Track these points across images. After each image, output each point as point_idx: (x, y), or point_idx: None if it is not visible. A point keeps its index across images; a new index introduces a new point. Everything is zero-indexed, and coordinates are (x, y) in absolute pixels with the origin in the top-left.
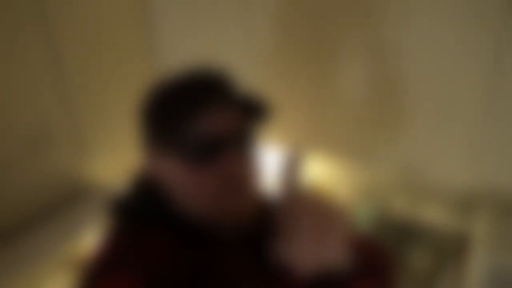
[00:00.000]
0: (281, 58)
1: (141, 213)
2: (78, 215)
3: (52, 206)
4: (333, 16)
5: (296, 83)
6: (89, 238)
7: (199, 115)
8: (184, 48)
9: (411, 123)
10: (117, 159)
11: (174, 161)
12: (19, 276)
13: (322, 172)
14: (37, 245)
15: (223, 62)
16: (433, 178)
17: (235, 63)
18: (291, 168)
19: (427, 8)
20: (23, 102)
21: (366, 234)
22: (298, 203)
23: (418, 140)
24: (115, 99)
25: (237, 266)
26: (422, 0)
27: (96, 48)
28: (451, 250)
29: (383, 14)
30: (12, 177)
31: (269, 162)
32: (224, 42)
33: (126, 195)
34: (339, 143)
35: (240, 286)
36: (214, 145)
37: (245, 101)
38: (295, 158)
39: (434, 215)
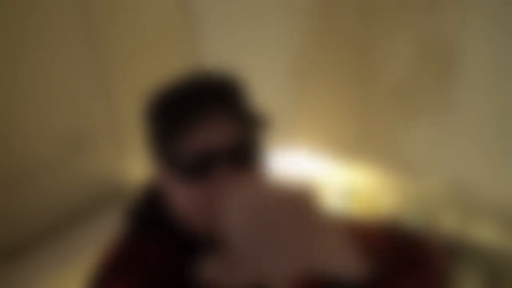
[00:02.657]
0: (318, 62)
1: (146, 219)
2: (114, 216)
3: (91, 206)
4: (377, 16)
5: (340, 88)
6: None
7: (193, 129)
8: (224, 50)
9: (465, 136)
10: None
11: (171, 172)
12: (54, 275)
13: (367, 181)
14: (75, 244)
15: (257, 65)
16: (486, 194)
17: (269, 67)
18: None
19: (484, 7)
20: (66, 104)
21: (390, 224)
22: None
23: (472, 153)
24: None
25: None
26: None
27: (138, 51)
28: (505, 272)
29: (436, 13)
30: (54, 177)
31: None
32: (260, 45)
33: (137, 200)
34: (386, 151)
35: None
36: (209, 160)
37: (247, 114)
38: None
39: (487, 233)
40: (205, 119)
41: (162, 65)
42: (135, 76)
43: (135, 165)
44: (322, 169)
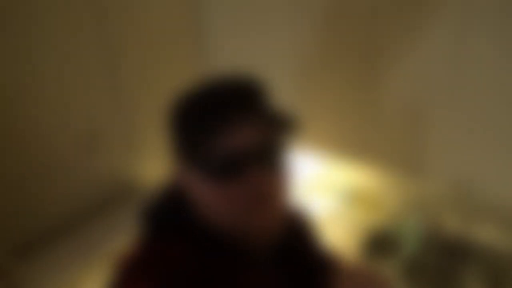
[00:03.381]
0: (327, 65)
1: (167, 220)
2: (126, 215)
3: (102, 205)
4: (380, 24)
5: (343, 90)
6: (134, 239)
7: (224, 131)
8: (234, 52)
9: (467, 135)
10: (167, 160)
11: (199, 174)
12: (66, 273)
13: (369, 181)
14: (85, 244)
15: (267, 67)
16: (489, 195)
17: (279, 69)
18: None
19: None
20: (78, 103)
21: None
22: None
23: (474, 153)
24: (166, 100)
25: (260, 279)
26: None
27: (149, 52)
28: (507, 272)
29: (436, 25)
30: (65, 176)
31: (314, 168)
32: (270, 48)
33: (155, 201)
34: (388, 151)
35: None
36: (238, 162)
37: (273, 116)
38: None
39: (489, 234)
40: (235, 122)
41: (174, 65)
42: (147, 77)
43: (147, 165)
44: (325, 169)
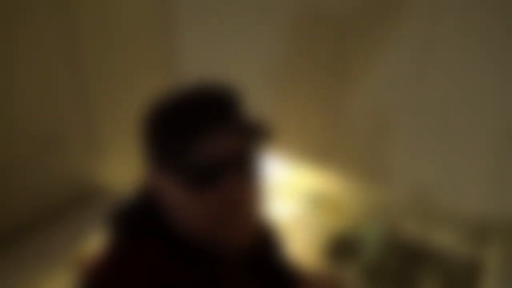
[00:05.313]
0: (294, 72)
1: (139, 225)
2: (87, 218)
3: (62, 207)
4: (348, 34)
5: (309, 97)
6: (96, 242)
7: (200, 139)
8: (202, 58)
9: (426, 145)
10: (129, 163)
11: (173, 181)
12: (25, 276)
13: (332, 187)
14: (45, 246)
15: (238, 73)
16: (446, 203)
17: (250, 77)
18: None
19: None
20: (39, 101)
21: None
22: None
23: (433, 162)
24: (131, 104)
25: (234, 285)
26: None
27: (116, 52)
28: (462, 278)
29: (403, 35)
30: (24, 175)
31: (277, 173)
32: (241, 55)
33: (125, 205)
34: (351, 158)
35: None
36: (214, 170)
37: (246, 124)
38: None
39: (445, 240)
40: (210, 130)
41: (142, 70)
42: (111, 76)
43: (112, 167)
44: (289, 174)
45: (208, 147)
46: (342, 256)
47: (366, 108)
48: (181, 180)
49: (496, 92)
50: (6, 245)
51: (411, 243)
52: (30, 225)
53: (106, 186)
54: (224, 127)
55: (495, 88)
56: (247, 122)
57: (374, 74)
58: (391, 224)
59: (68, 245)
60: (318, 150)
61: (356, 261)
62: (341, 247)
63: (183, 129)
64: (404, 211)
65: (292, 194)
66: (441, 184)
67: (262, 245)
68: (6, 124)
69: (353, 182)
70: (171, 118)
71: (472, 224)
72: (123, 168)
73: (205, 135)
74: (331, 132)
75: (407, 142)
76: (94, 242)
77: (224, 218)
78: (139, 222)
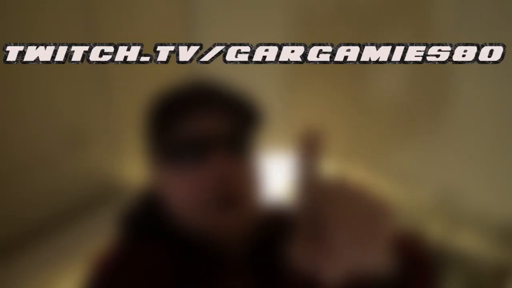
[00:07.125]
0: (319, 66)
1: (144, 224)
2: (106, 216)
3: (85, 205)
4: (376, 28)
5: (335, 94)
6: (113, 240)
7: (188, 118)
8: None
9: (452, 145)
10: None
11: (168, 168)
12: (46, 272)
13: None
14: (66, 243)
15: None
16: (472, 204)
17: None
18: (310, 153)
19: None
20: (65, 101)
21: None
22: (326, 197)
23: (458, 163)
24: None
25: (237, 282)
26: None
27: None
28: (488, 281)
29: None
30: (49, 173)
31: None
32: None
33: (134, 204)
34: (375, 160)
35: None
36: (202, 146)
37: (237, 105)
38: (314, 141)
39: (471, 243)
40: (200, 110)
41: (161, 68)
42: (134, 77)
43: (130, 165)
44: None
45: (193, 125)
46: None
47: (389, 109)
48: (173, 163)
49: None
50: (31, 241)
51: (435, 244)
52: (54, 221)
53: (128, 184)
54: (211, 106)
55: None
56: (237, 102)
57: (393, 73)
58: (415, 226)
59: (89, 242)
60: (339, 150)
61: None
62: None
63: (168, 111)
64: (428, 213)
65: None
66: (467, 187)
67: (269, 240)
68: (33, 124)
69: (375, 184)
70: (162, 105)
71: (499, 228)
72: (144, 167)
73: (194, 113)
74: (352, 132)
75: (430, 145)
76: (109, 241)
77: (218, 201)
78: (142, 223)
